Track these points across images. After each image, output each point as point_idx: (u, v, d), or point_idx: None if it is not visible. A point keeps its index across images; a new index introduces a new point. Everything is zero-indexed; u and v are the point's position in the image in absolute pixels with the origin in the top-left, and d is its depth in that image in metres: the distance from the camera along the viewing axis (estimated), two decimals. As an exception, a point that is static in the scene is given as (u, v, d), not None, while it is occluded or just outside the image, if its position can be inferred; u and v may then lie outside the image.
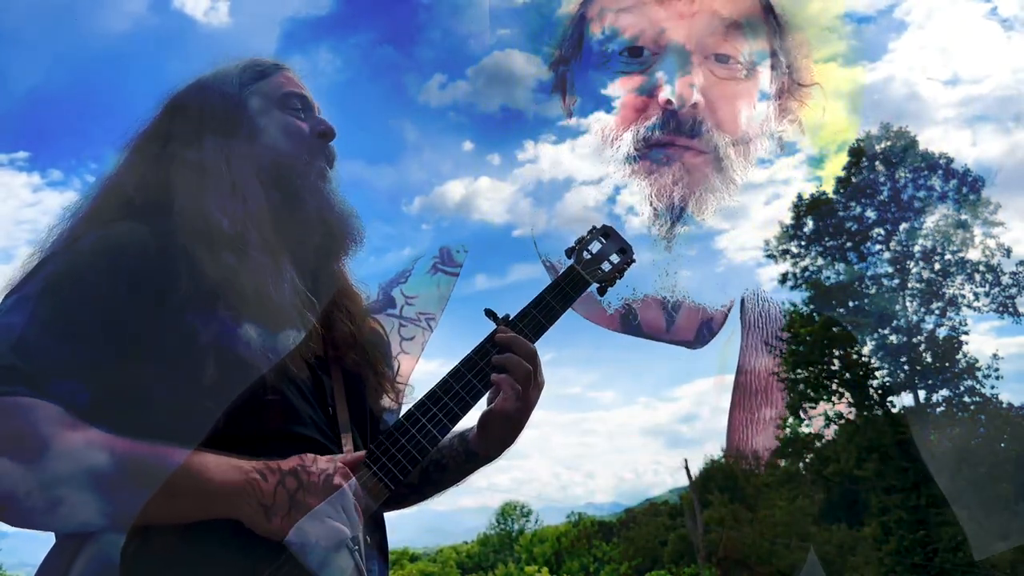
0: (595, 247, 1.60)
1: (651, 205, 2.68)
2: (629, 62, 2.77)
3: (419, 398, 1.38)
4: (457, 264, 1.65)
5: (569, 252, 1.58)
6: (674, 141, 2.67)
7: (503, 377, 1.40)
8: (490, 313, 1.48)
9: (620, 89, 2.82)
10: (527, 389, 1.42)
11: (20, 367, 1.07)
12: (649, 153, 2.68)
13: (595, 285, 1.57)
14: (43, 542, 1.15)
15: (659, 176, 2.67)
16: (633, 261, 1.63)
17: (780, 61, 2.84)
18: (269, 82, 1.43)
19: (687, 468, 25.76)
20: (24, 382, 1.06)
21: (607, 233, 1.62)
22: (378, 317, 1.56)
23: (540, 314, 1.49)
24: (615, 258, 1.61)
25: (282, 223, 1.32)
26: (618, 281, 1.61)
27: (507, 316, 1.48)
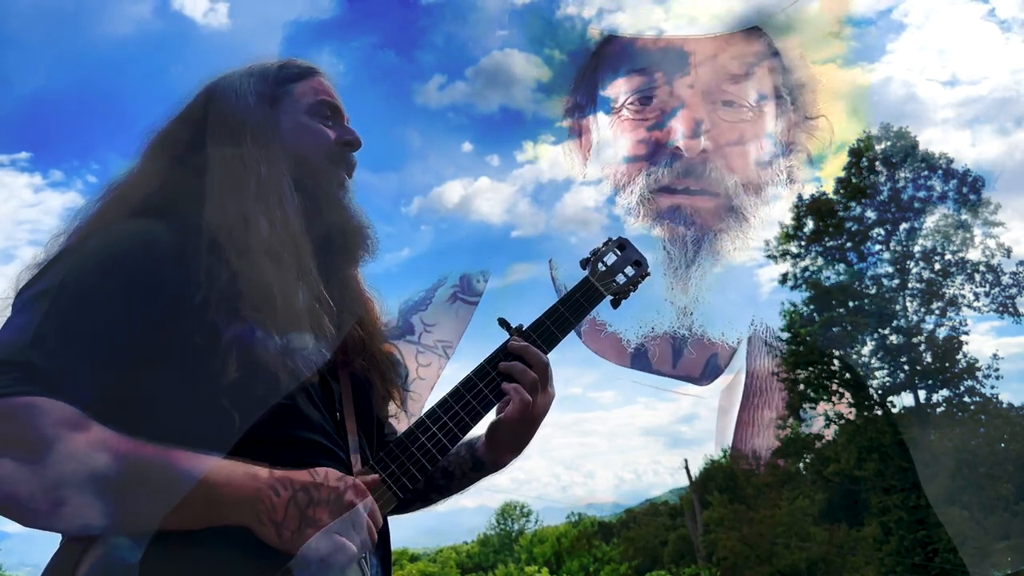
0: (610, 259, 1.59)
1: (664, 249, 2.69)
2: (638, 109, 2.79)
3: (430, 406, 1.38)
4: (477, 293, 1.65)
5: (584, 264, 1.57)
6: (685, 185, 2.70)
7: (513, 386, 1.40)
8: (503, 322, 1.48)
9: (631, 136, 2.85)
10: (536, 399, 1.43)
11: (36, 364, 1.06)
12: (660, 198, 2.70)
13: (609, 297, 1.57)
14: (43, 543, 1.15)
15: (671, 221, 2.68)
16: (648, 274, 1.62)
17: (785, 100, 2.88)
18: (303, 85, 1.43)
19: (687, 468, 25.79)
20: (39, 381, 1.05)
21: (622, 245, 1.60)
22: (397, 343, 1.57)
23: (553, 325, 1.48)
24: (630, 270, 1.60)
25: (305, 228, 1.32)
26: (632, 295, 1.60)
27: (520, 326, 1.48)
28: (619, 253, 1.60)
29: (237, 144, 1.32)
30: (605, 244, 1.60)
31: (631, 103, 2.84)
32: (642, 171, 2.70)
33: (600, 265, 1.57)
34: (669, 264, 2.66)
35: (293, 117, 1.39)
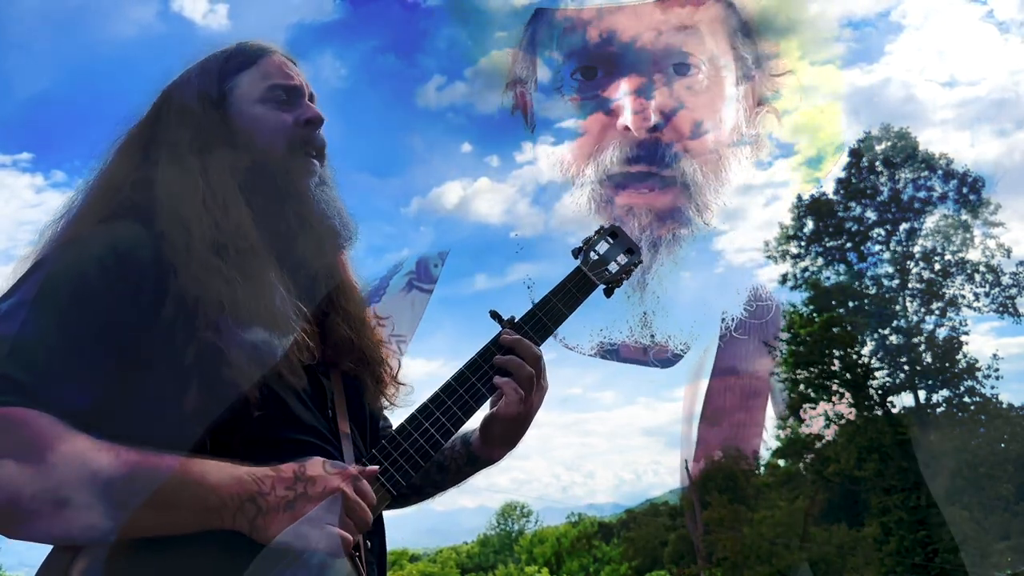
0: (602, 248, 1.57)
1: None
2: (583, 84, 2.64)
3: (422, 402, 1.36)
4: (433, 279, 1.62)
5: (576, 253, 1.55)
6: (637, 170, 2.55)
7: (506, 380, 1.38)
8: (495, 315, 1.46)
9: (576, 115, 2.68)
10: (530, 392, 1.41)
11: (14, 376, 1.04)
12: (613, 195, 2.57)
13: (602, 287, 1.55)
14: (42, 544, 1.11)
15: (624, 224, 2.56)
16: (641, 262, 1.60)
17: (745, 57, 2.73)
18: (251, 73, 1.35)
19: (687, 468, 25.74)
20: (18, 392, 1.04)
21: (614, 233, 1.58)
22: None
23: (545, 316, 1.46)
24: (622, 259, 1.57)
25: (266, 227, 1.28)
26: (625, 282, 1.59)
27: (512, 318, 1.46)
28: (611, 241, 1.58)
29: (179, 153, 1.28)
30: (597, 232, 1.58)
31: (573, 77, 2.67)
32: (590, 158, 2.54)
33: (592, 254, 1.55)
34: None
35: (244, 110, 1.32)
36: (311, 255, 1.34)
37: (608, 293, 1.57)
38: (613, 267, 1.56)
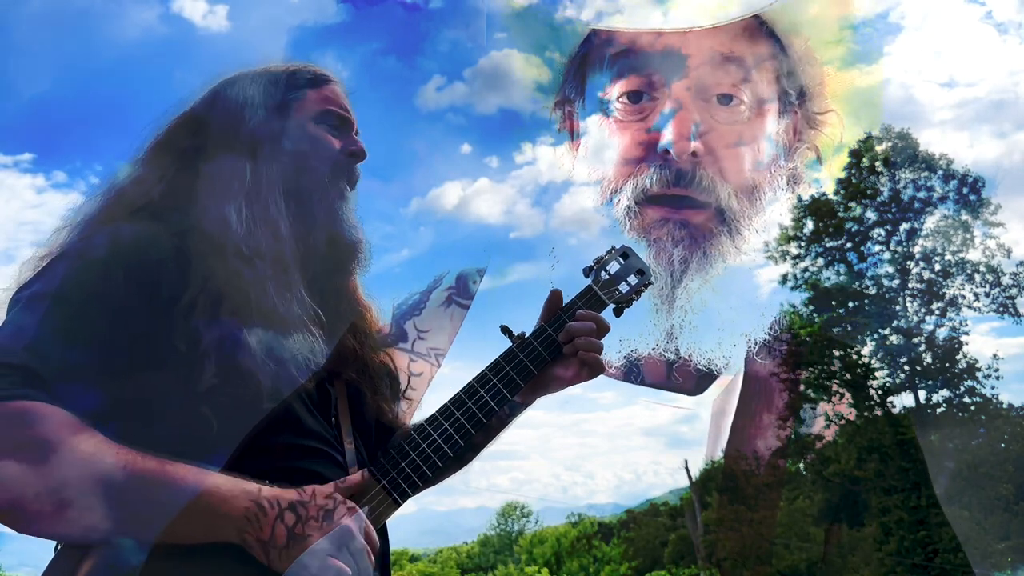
0: (613, 267, 1.59)
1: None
2: (628, 108, 2.70)
3: (432, 412, 1.38)
4: (471, 295, 1.65)
5: (587, 272, 1.58)
6: (672, 192, 2.59)
7: (592, 356, 1.48)
8: (505, 330, 1.48)
9: (620, 138, 2.74)
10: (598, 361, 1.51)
11: (32, 368, 1.06)
12: (647, 210, 2.61)
13: (612, 306, 1.57)
14: (43, 544, 1.13)
15: (656, 237, 2.58)
16: (651, 283, 1.63)
17: (789, 93, 2.76)
18: (313, 93, 1.42)
19: (687, 469, 25.76)
20: (36, 384, 1.05)
21: (625, 254, 1.61)
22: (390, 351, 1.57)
23: (556, 333, 1.49)
24: (633, 279, 1.60)
25: (297, 234, 1.32)
26: (635, 303, 1.61)
27: (523, 334, 1.48)
28: (622, 262, 1.61)
29: (231, 148, 1.31)
30: (608, 252, 1.61)
31: (619, 99, 2.73)
32: (630, 178, 2.59)
33: (603, 273, 1.58)
34: (654, 284, 2.60)
35: (300, 124, 1.39)
36: (331, 268, 1.38)
37: (618, 313, 1.60)
38: (624, 287, 1.59)
